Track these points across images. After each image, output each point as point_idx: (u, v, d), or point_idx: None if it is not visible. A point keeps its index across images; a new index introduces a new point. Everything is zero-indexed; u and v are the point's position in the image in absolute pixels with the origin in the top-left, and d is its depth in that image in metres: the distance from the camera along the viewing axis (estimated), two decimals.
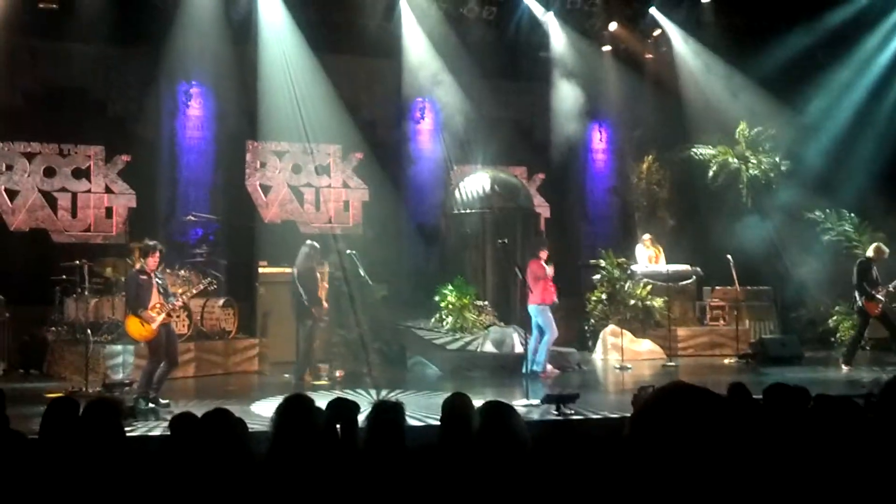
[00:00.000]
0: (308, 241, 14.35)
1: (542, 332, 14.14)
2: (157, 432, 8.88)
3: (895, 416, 4.40)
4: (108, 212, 17.14)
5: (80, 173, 17.02)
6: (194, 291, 12.23)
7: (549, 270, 14.24)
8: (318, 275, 14.06)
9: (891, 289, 14.43)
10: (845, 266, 14.69)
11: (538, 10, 19.02)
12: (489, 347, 15.21)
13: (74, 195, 16.96)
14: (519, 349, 14.38)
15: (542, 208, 19.88)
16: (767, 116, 19.31)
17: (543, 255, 14.38)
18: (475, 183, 17.65)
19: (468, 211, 17.37)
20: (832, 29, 18.64)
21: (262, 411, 9.89)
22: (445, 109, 18.95)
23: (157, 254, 11.03)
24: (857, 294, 14.46)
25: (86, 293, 13.63)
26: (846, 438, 4.13)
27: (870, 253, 14.81)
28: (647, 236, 18.21)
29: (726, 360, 16.07)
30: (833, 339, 17.55)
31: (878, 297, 14.28)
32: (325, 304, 13.99)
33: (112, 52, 16.76)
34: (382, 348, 16.00)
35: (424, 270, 18.58)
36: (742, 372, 14.39)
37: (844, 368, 14.20)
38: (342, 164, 18.97)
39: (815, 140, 19.18)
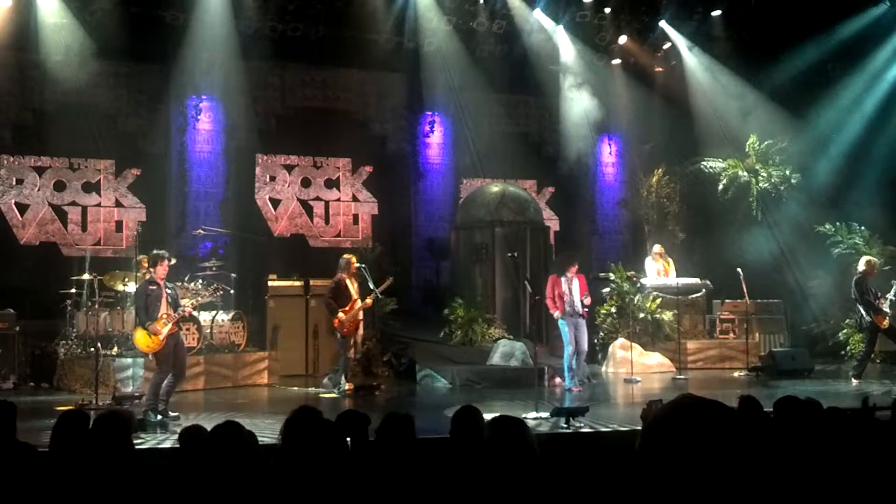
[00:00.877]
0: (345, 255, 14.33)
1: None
2: (166, 445, 8.88)
3: None
4: (118, 225, 17.19)
5: (90, 187, 17.08)
6: (200, 300, 12.20)
7: (565, 286, 13.86)
8: (349, 282, 13.78)
9: (892, 298, 14.37)
10: None
11: (548, 24, 19.03)
12: (498, 361, 15.19)
13: (84, 209, 17.01)
14: (529, 362, 14.34)
15: (552, 222, 19.84)
16: (778, 129, 19.30)
17: (571, 272, 13.94)
18: (484, 196, 17.65)
19: (477, 225, 17.37)
20: (843, 42, 18.66)
21: (272, 424, 9.87)
22: (455, 123, 19.00)
23: (166, 262, 11.04)
24: (862, 310, 14.30)
25: (96, 307, 13.66)
26: (857, 451, 4.11)
27: (862, 267, 14.56)
28: (657, 249, 18.10)
29: (736, 374, 16.00)
30: (843, 353, 17.46)
31: (885, 308, 14.23)
32: (343, 316, 13.45)
33: (122, 66, 16.86)
34: (392, 361, 16.01)
35: (434, 284, 18.60)
36: (752, 385, 14.33)
37: (854, 382, 14.13)
38: (352, 177, 18.98)
39: (825, 153, 19.18)
